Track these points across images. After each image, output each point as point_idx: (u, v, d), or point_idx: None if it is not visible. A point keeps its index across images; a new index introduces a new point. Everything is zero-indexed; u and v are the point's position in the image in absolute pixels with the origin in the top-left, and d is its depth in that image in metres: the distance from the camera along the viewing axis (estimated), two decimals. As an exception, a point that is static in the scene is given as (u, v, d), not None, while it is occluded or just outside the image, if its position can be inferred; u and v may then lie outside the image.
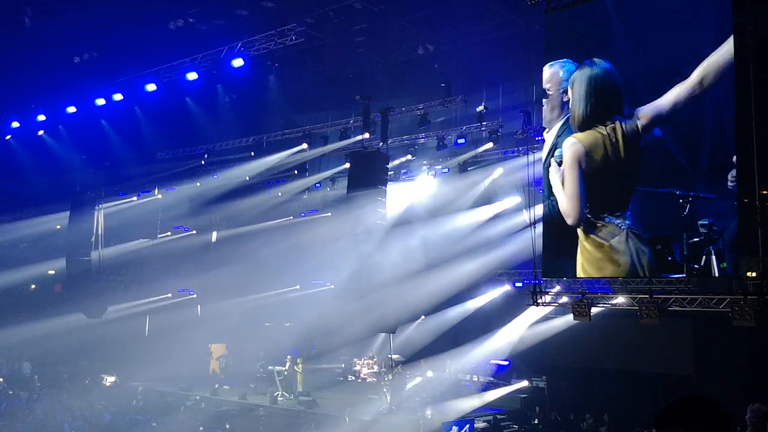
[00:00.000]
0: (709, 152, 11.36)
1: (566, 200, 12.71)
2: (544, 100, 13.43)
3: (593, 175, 12.48)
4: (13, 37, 19.58)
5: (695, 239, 11.24)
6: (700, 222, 11.15)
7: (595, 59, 12.61)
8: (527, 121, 17.11)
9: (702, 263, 11.13)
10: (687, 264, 11.43)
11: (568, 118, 13.07)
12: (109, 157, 23.50)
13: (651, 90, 11.95)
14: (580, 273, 12.63)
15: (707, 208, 11.19)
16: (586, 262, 12.45)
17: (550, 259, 13.32)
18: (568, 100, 13.06)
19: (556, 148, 13.17)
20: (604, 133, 12.27)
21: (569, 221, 12.69)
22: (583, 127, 12.63)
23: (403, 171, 22.57)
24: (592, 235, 12.35)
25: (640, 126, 11.85)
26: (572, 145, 12.69)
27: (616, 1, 13.20)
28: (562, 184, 12.89)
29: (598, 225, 12.30)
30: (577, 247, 12.62)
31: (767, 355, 15.39)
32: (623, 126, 12.07)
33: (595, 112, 12.51)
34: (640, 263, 11.84)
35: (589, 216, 12.46)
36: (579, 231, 12.59)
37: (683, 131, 11.66)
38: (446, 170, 20.96)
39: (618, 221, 12.13)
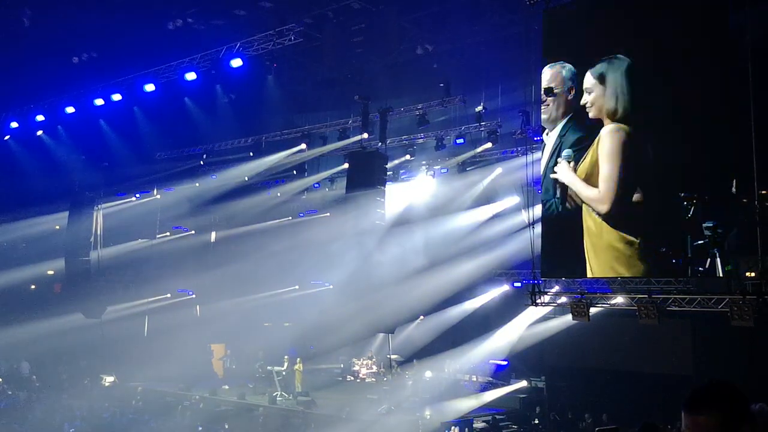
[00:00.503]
0: (713, 154, 11.24)
1: (603, 186, 12.37)
2: (549, 99, 13.26)
3: (628, 167, 12.32)
4: (12, 38, 19.57)
5: (699, 242, 11.12)
6: (704, 224, 11.03)
7: (619, 55, 12.41)
8: (526, 121, 17.09)
9: (707, 266, 11.04)
10: (691, 267, 11.32)
11: (571, 116, 13.01)
12: (107, 158, 23.48)
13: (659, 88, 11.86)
14: (607, 272, 12.31)
15: (711, 210, 11.07)
16: (614, 260, 12.14)
17: (551, 259, 13.25)
18: (573, 98, 12.98)
19: (561, 148, 13.10)
20: (630, 131, 12.14)
21: (602, 208, 12.33)
22: (621, 120, 12.35)
23: (401, 171, 22.55)
24: (622, 232, 12.06)
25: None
26: (615, 132, 12.39)
27: (617, 1, 13.23)
28: (588, 174, 12.62)
29: (629, 222, 12.06)
30: (578, 247, 12.55)
31: (766, 355, 15.39)
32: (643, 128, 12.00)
33: (637, 105, 12.24)
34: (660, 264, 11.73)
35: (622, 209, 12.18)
36: (604, 227, 12.26)
37: (687, 132, 11.53)
38: (445, 170, 20.96)
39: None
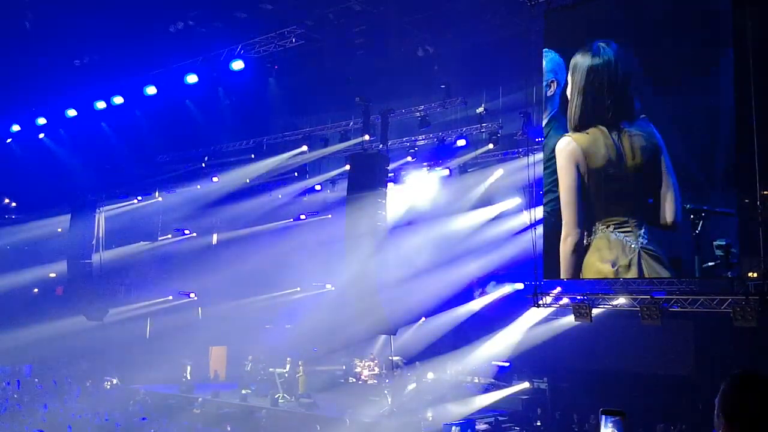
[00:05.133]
0: (725, 162, 10.73)
1: (563, 209, 12.07)
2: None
3: (595, 182, 11.79)
4: (14, 41, 19.61)
5: (710, 263, 10.02)
6: (715, 242, 9.96)
7: (602, 44, 11.88)
8: (527, 122, 17.10)
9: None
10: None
11: (553, 114, 12.71)
12: (109, 160, 23.54)
13: (660, 90, 11.63)
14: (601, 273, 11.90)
15: (722, 227, 10.00)
16: (596, 262, 11.73)
17: (552, 260, 13.23)
18: (552, 95, 12.74)
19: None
20: (608, 136, 11.71)
21: (569, 238, 11.83)
22: (580, 125, 12.05)
23: (403, 173, 22.53)
24: (603, 251, 11.46)
25: (649, 132, 11.43)
26: (567, 145, 11.98)
27: (617, 2, 13.22)
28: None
29: (611, 240, 11.38)
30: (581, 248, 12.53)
31: (769, 355, 15.34)
32: (632, 133, 11.54)
33: (638, 107, 11.45)
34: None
35: (594, 229, 11.63)
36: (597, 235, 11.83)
37: (695, 138, 11.15)
38: (446, 172, 20.93)
39: (629, 239, 11.05)
